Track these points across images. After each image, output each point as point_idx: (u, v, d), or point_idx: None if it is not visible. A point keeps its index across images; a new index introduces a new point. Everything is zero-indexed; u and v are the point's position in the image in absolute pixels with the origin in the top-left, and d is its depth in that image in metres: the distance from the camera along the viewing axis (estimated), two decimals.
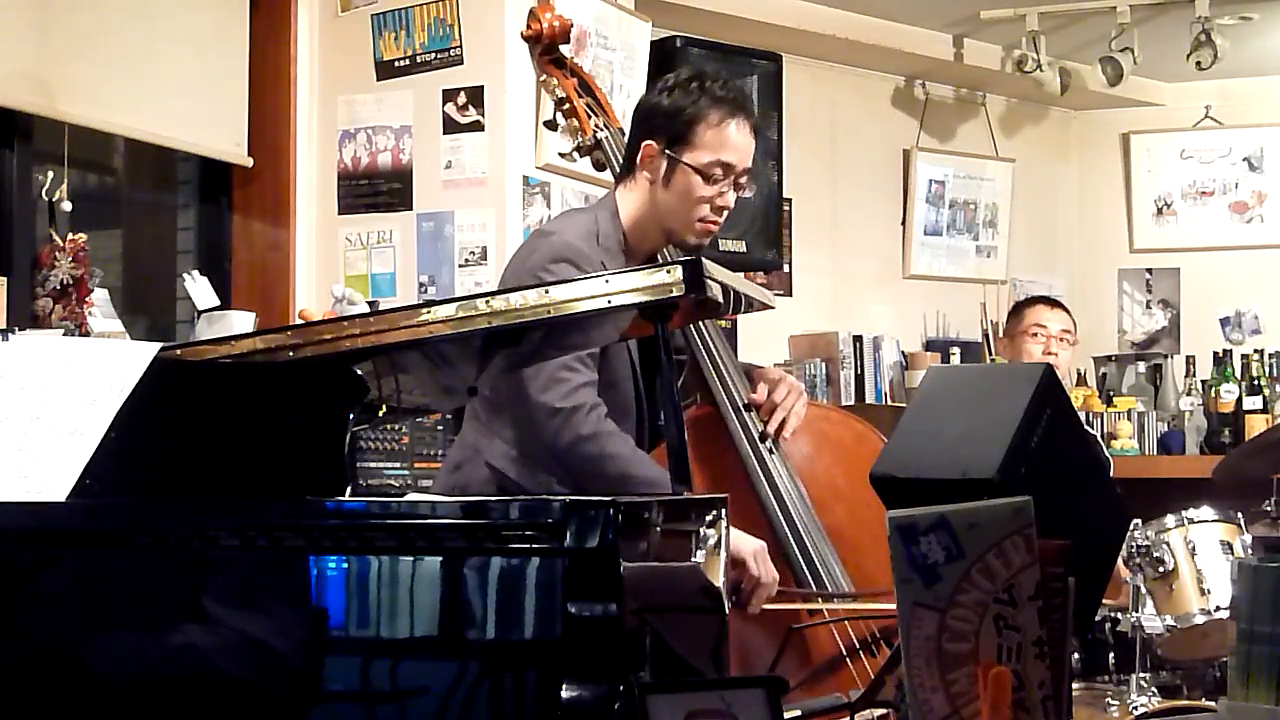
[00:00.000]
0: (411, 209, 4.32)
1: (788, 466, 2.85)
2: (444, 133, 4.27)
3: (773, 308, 2.19)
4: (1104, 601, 2.98)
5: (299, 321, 3.84)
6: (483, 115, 4.24)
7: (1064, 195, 6.75)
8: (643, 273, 1.87)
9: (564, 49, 3.18)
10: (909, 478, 1.62)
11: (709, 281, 1.82)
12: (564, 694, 1.53)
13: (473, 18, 4.24)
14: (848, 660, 2.74)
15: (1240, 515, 3.44)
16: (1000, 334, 5.27)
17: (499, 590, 1.57)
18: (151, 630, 1.63)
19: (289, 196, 4.37)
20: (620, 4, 4.67)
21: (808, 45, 5.72)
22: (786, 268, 5.80)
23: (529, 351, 2.26)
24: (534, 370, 2.62)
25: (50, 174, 3.76)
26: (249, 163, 4.35)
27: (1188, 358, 6.12)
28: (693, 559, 1.83)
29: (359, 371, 1.87)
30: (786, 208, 5.64)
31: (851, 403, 5.54)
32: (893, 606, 1.41)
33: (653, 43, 4.80)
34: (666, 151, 2.77)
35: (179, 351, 1.89)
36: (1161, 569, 3.29)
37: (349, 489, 1.77)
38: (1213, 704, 2.81)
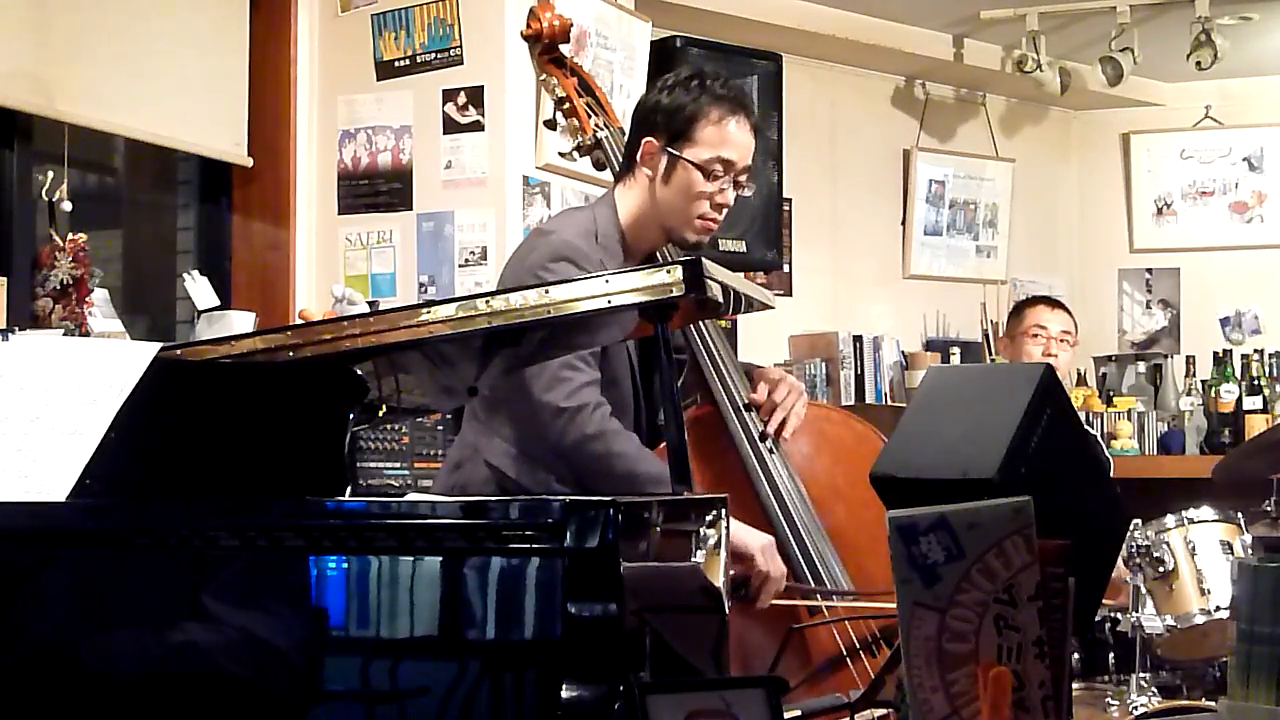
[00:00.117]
0: (411, 209, 4.32)
1: (788, 466, 2.85)
2: (444, 133, 4.27)
3: (773, 308, 2.19)
4: (1104, 601, 2.97)
5: (299, 321, 3.84)
6: (483, 115, 4.24)
7: (1064, 195, 6.75)
8: (643, 272, 1.87)
9: (564, 48, 3.18)
10: (909, 478, 1.62)
11: (709, 281, 1.82)
12: (564, 694, 1.53)
13: (473, 18, 4.24)
14: (848, 660, 2.74)
15: (1240, 515, 3.43)
16: (1000, 334, 5.26)
17: (499, 590, 1.57)
18: (152, 630, 1.63)
19: (289, 196, 4.37)
20: (620, 4, 4.67)
21: (808, 45, 5.72)
22: (786, 268, 5.80)
23: (529, 351, 2.26)
24: (537, 370, 2.62)
25: (50, 174, 3.75)
26: (249, 163, 4.35)
27: (1188, 358, 6.12)
28: (693, 559, 1.82)
29: (359, 371, 1.87)
30: (786, 208, 5.64)
31: (851, 403, 5.54)
32: (894, 606, 1.41)
33: (653, 43, 4.80)
34: (667, 148, 2.78)
35: (179, 351, 1.89)
36: (1161, 569, 3.28)
37: (349, 489, 1.78)
38: (1213, 704, 2.80)
